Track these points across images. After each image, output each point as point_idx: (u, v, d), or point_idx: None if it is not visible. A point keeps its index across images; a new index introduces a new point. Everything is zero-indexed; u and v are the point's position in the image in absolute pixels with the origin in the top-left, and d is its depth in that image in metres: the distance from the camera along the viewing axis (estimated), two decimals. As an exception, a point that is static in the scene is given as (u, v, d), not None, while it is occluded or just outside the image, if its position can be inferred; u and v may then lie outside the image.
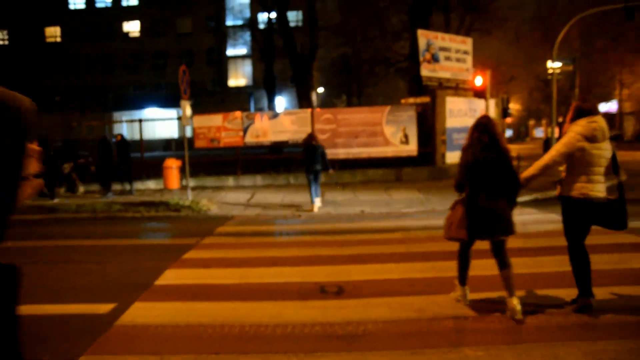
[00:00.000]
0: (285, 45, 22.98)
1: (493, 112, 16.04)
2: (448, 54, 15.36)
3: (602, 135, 4.24)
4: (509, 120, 30.91)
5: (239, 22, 41.84)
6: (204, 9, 43.76)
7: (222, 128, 15.25)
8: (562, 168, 4.45)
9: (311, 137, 10.41)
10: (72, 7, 45.53)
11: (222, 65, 44.22)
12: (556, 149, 4.32)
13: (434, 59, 15.06)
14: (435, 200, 11.22)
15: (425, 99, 15.77)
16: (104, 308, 4.80)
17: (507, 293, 4.28)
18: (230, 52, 44.07)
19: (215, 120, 15.32)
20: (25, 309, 4.66)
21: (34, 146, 1.01)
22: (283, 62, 28.19)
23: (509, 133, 49.87)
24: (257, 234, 8.44)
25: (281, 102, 38.30)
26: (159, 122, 25.45)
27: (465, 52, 15.86)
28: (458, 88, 15.56)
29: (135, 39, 45.11)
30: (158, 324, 4.40)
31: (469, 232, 4.28)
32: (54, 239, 8.56)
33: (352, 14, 25.31)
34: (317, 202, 10.35)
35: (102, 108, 36.88)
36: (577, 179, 4.29)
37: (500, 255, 4.32)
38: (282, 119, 15.20)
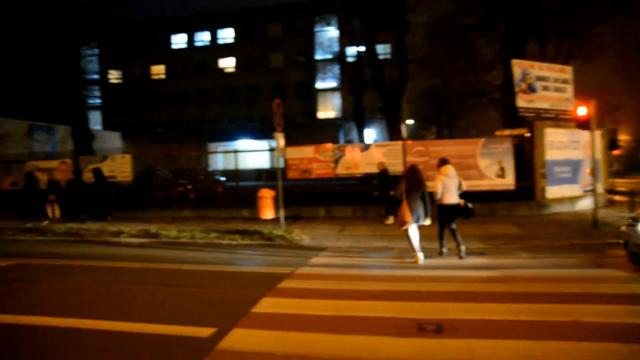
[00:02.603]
0: (374, 78, 23.16)
1: (599, 144, 15.03)
2: (546, 84, 14.71)
3: (452, 172, 8.75)
4: (617, 152, 28.68)
5: (328, 56, 42.96)
6: (295, 44, 45.44)
7: (313, 159, 15.55)
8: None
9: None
10: (174, 46, 49.16)
11: (311, 98, 45.41)
12: (437, 182, 8.76)
13: (531, 89, 14.48)
14: (535, 237, 10.61)
15: (522, 131, 15.13)
16: (205, 332, 4.97)
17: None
18: (319, 85, 45.20)
19: (307, 152, 15.67)
20: (135, 327, 5.02)
21: None
22: (372, 95, 28.40)
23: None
24: (350, 266, 8.41)
25: (370, 134, 38.44)
26: (250, 153, 26.40)
27: (565, 81, 15.09)
28: (558, 119, 14.79)
29: (229, 74, 47.65)
30: (256, 351, 4.48)
31: (413, 218, 8.34)
32: (156, 262, 9.06)
33: (442, 46, 25.12)
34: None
35: (198, 139, 39.03)
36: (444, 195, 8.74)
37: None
38: (372, 151, 15.22)
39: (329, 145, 15.59)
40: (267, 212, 13.64)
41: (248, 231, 11.94)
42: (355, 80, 29.33)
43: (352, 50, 35.49)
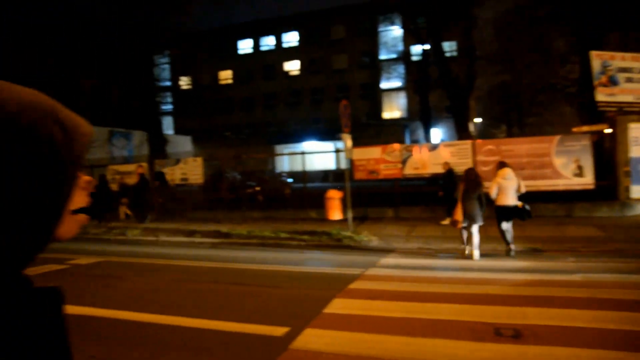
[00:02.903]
0: (441, 76, 22.72)
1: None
2: (630, 75, 13.81)
3: (509, 175, 8.93)
4: None
5: (393, 56, 42.57)
6: (359, 45, 45.38)
7: (380, 160, 15.43)
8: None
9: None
10: (241, 52, 50.48)
11: (376, 98, 45.17)
12: (493, 184, 9.02)
13: (612, 81, 13.65)
14: (619, 239, 9.98)
15: (602, 127, 14.28)
16: (279, 331, 5.06)
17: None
18: (384, 85, 44.87)
19: (373, 152, 15.58)
20: (211, 324, 5.19)
21: (87, 177, 0.83)
22: (438, 93, 27.92)
23: None
24: (420, 268, 8.29)
25: (437, 133, 37.73)
26: (316, 154, 26.61)
27: (653, 72, 14.11)
28: (644, 113, 13.85)
29: (294, 77, 48.30)
30: (329, 351, 4.50)
31: (465, 218, 8.87)
32: (229, 262, 9.33)
33: (511, 40, 24.23)
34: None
35: (265, 142, 39.85)
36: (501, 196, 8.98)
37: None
38: (441, 151, 14.91)
39: (396, 146, 15.43)
40: (335, 213, 13.71)
41: (316, 232, 12.02)
42: (421, 79, 28.91)
43: (416, 49, 35.00)
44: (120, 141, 27.38)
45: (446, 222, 12.61)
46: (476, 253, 8.92)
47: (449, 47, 34.85)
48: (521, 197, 9.07)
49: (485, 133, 33.32)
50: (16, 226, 0.71)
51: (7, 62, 18.77)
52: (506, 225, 9.05)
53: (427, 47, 26.76)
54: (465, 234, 9.18)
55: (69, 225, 0.80)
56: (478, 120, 34.64)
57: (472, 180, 9.01)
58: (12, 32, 20.24)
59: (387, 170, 15.37)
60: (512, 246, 9.03)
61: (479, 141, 14.74)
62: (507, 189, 8.90)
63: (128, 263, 9.65)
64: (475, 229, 8.96)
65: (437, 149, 15.06)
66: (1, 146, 0.68)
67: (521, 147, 14.02)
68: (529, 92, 26.61)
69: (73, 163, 0.77)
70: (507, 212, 8.97)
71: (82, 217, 0.83)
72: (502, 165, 9.22)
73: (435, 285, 6.97)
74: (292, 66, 48.58)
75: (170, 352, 4.74)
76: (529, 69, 24.78)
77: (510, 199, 8.93)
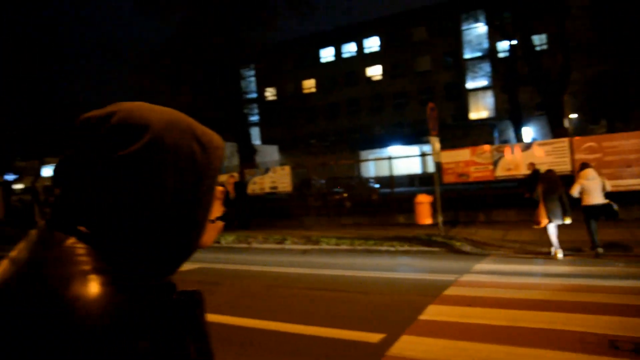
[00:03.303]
0: (531, 71, 21.58)
1: None
2: None
3: (592, 175, 9.00)
4: None
5: (478, 54, 41.16)
6: (441, 45, 44.35)
7: (470, 162, 14.94)
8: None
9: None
10: (323, 60, 51.16)
11: (461, 99, 43.85)
12: (575, 185, 9.12)
13: None
14: None
15: None
16: (374, 337, 5.03)
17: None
18: (469, 85, 43.46)
19: (462, 154, 15.12)
20: (308, 329, 5.27)
21: (221, 187, 0.85)
22: (527, 90, 26.56)
23: None
24: (518, 274, 7.90)
25: (528, 132, 35.88)
26: (401, 159, 26.43)
27: None
28: None
29: (377, 82, 48.12)
30: (427, 359, 4.40)
31: (548, 218, 8.97)
32: (319, 269, 9.43)
33: (610, 29, 22.51)
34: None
35: (349, 148, 39.98)
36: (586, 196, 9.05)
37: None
38: (534, 150, 14.16)
39: (487, 147, 14.90)
40: (425, 217, 13.46)
41: (406, 237, 11.86)
42: (509, 76, 27.68)
43: (503, 45, 33.64)
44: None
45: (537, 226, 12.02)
46: (560, 254, 9.07)
47: (539, 40, 33.10)
48: (609, 196, 9.05)
49: (582, 129, 31.13)
50: (167, 237, 0.76)
51: (111, 85, 20.39)
52: (594, 225, 9.09)
53: (515, 42, 25.62)
54: (553, 235, 9.12)
55: (210, 234, 0.85)
56: (573, 116, 32.48)
57: (552, 182, 9.18)
58: (117, 56, 21.95)
59: (477, 173, 14.85)
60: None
61: (577, 138, 13.84)
62: (592, 189, 8.99)
63: (223, 269, 10.06)
64: (555, 224, 9.06)
65: (531, 149, 14.33)
66: (151, 165, 0.73)
67: (627, 142, 12.97)
68: (634, 82, 24.52)
69: (211, 176, 0.81)
70: (595, 211, 9.04)
71: (220, 224, 0.88)
72: (584, 166, 9.40)
73: (535, 291, 6.62)
74: (374, 71, 48.46)
75: (269, 355, 4.87)
76: (633, 56, 22.83)
77: (597, 198, 9.00)
